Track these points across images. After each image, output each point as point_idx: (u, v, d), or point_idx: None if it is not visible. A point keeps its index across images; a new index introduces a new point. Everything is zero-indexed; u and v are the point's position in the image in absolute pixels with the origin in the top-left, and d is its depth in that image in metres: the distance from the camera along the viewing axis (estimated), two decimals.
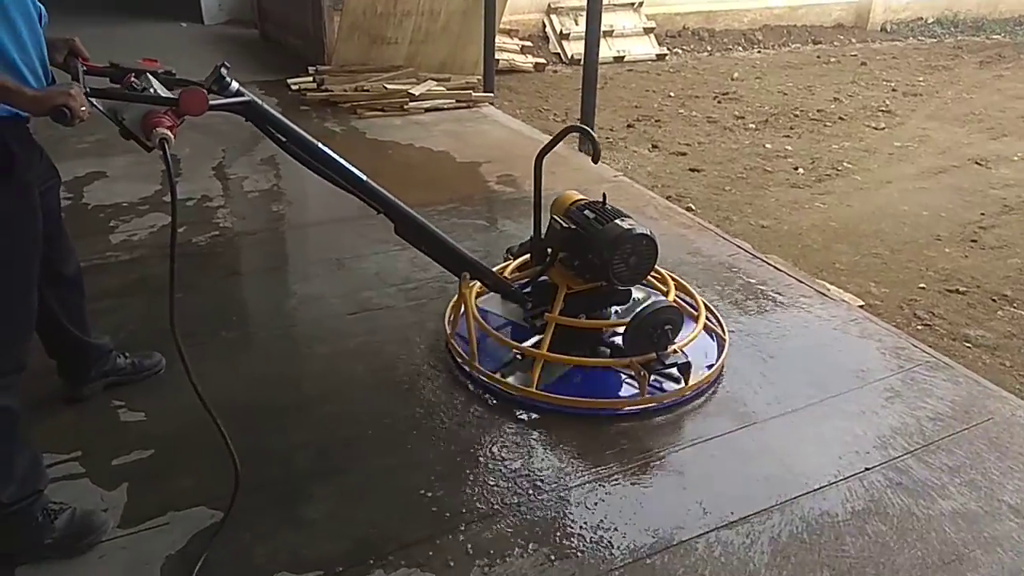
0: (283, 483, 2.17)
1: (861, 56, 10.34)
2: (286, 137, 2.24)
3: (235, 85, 2.09)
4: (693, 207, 5.52)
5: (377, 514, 2.08)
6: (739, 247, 3.79)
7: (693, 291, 3.03)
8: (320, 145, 2.29)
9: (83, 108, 1.69)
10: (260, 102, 2.16)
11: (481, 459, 2.28)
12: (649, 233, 2.54)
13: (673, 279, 3.00)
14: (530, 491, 2.15)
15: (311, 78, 6.14)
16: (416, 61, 6.38)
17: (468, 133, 5.40)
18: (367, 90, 5.81)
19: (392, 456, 2.28)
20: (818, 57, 10.27)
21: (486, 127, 5.56)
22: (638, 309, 2.52)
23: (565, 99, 7.90)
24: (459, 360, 2.68)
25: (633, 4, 10.16)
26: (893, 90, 8.82)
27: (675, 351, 2.54)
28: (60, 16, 9.07)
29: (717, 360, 2.73)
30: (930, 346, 3.88)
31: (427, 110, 5.74)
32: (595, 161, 2.74)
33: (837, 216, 5.49)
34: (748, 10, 10.94)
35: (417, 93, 5.75)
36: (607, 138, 7.01)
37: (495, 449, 2.32)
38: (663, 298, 2.68)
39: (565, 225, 2.62)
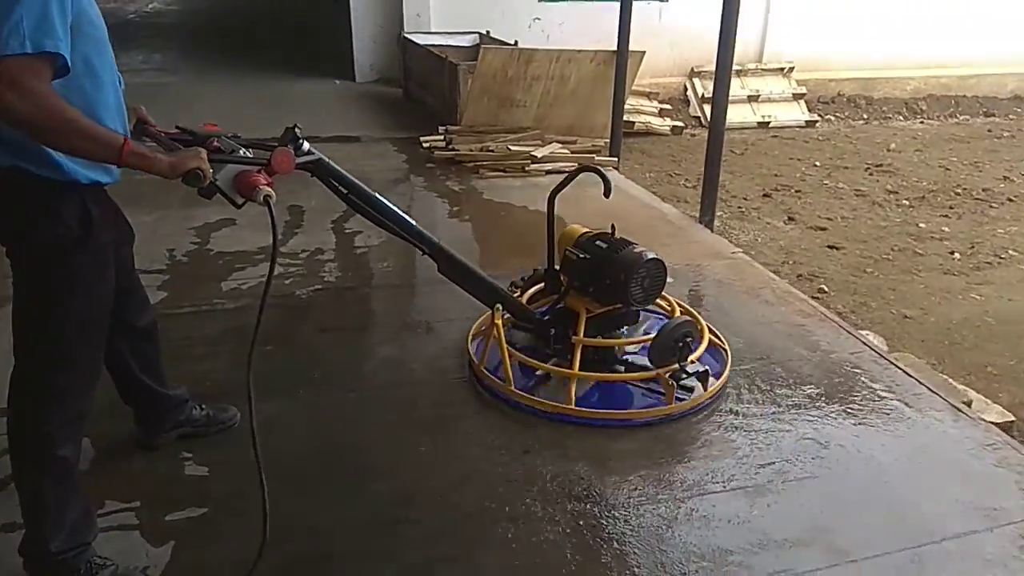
0: (323, 562, 2.09)
1: None
2: (348, 190, 2.46)
3: (306, 145, 2.23)
4: (826, 289, 5.10)
5: None
6: (865, 343, 3.40)
7: (693, 311, 3.31)
8: (378, 196, 2.55)
9: (210, 170, 1.82)
10: (327, 160, 2.35)
11: None
12: (660, 258, 2.88)
13: (677, 302, 3.26)
14: None
15: (441, 137, 6.30)
16: (544, 124, 6.39)
17: (584, 198, 5.25)
18: (492, 150, 5.87)
19: (438, 548, 2.15)
20: (989, 131, 9.42)
21: None
22: (663, 325, 2.87)
23: (699, 164, 7.57)
24: (488, 384, 2.88)
25: (783, 69, 9.79)
26: None
27: (693, 361, 2.84)
28: (217, 72, 9.90)
29: (724, 370, 3.02)
30: None
31: (548, 172, 5.70)
32: (606, 195, 3.04)
33: (995, 311, 4.87)
34: (912, 78, 10.25)
35: (539, 155, 5.73)
36: (739, 207, 6.69)
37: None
38: (680, 317, 3.00)
39: (580, 256, 2.90)
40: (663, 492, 2.43)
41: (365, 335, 3.31)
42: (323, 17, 10.41)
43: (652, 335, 2.86)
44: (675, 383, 2.75)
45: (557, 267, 3.07)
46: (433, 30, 8.28)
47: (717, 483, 2.47)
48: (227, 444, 2.55)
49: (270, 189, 1.98)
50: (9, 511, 1.91)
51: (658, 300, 3.13)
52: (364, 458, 2.52)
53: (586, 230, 3.04)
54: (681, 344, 2.79)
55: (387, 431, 2.66)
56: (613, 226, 2.96)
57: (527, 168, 5.69)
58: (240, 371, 2.93)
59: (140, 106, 2.16)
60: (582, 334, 2.85)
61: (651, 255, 2.83)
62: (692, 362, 2.82)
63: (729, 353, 3.11)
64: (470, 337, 3.15)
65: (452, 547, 2.16)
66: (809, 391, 2.99)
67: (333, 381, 2.95)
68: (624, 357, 2.98)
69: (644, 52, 6.50)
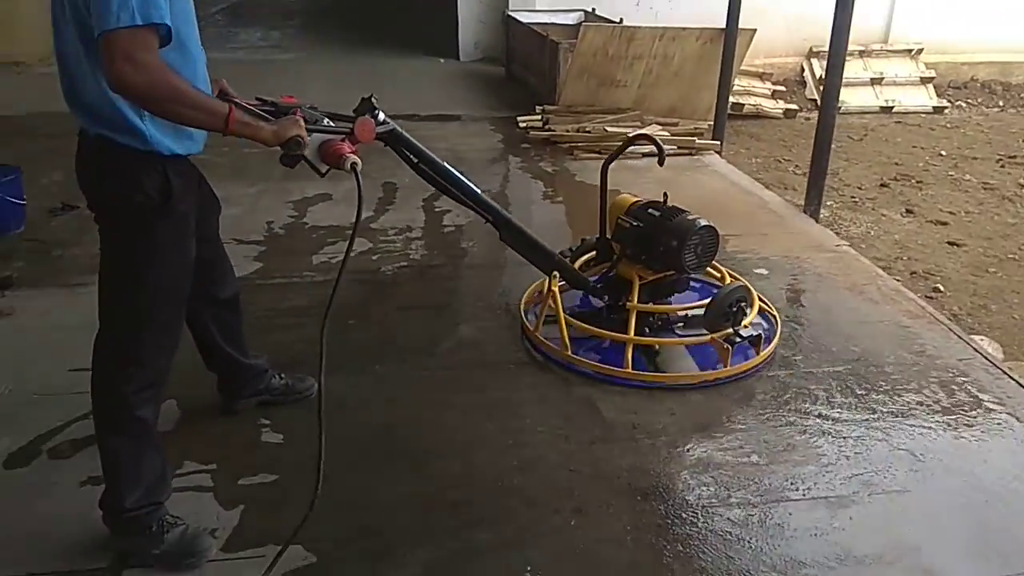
0: (376, 538, 2.11)
1: None
2: (419, 159, 2.53)
3: (382, 115, 2.26)
4: (941, 288, 4.74)
5: None
6: (977, 350, 3.13)
7: (739, 276, 3.32)
8: (445, 164, 2.62)
9: (308, 137, 1.88)
10: (400, 130, 2.41)
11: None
12: (712, 224, 2.89)
13: (727, 271, 3.30)
14: None
15: (538, 117, 6.23)
16: (644, 105, 6.21)
17: (682, 182, 5.11)
18: (588, 132, 5.76)
19: (493, 533, 2.13)
20: None
21: (703, 177, 5.23)
22: (717, 291, 2.95)
23: (811, 150, 7.25)
24: (543, 349, 2.96)
25: (911, 51, 9.14)
26: None
27: (747, 325, 2.89)
28: (328, 50, 10.18)
29: (775, 335, 3.06)
30: None
31: (644, 155, 5.53)
32: (660, 163, 3.14)
33: None
34: None
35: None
36: (853, 197, 6.31)
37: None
38: (735, 282, 3.10)
39: (633, 224, 2.95)
40: (736, 494, 2.31)
41: (444, 314, 3.32)
42: None
43: (705, 301, 2.95)
44: (730, 347, 2.80)
45: (609, 236, 3.12)
46: (539, 8, 8.20)
47: (797, 491, 2.33)
48: (303, 413, 2.61)
49: (356, 157, 2.01)
50: (96, 465, 2.01)
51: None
52: (429, 437, 2.53)
53: (637, 199, 3.10)
54: (735, 309, 2.86)
55: (455, 412, 2.66)
56: (665, 194, 3.02)
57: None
58: (319, 344, 3.04)
59: (221, 79, 2.21)
60: (635, 300, 2.91)
61: (704, 222, 2.86)
62: (746, 326, 2.87)
63: (779, 319, 3.17)
64: (522, 304, 3.23)
65: (507, 532, 2.13)
66: (908, 398, 2.78)
67: (407, 359, 2.97)
68: (673, 326, 3.07)
69: (755, 30, 6.19)
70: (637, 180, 5.11)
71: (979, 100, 9.25)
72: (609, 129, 5.72)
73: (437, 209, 4.52)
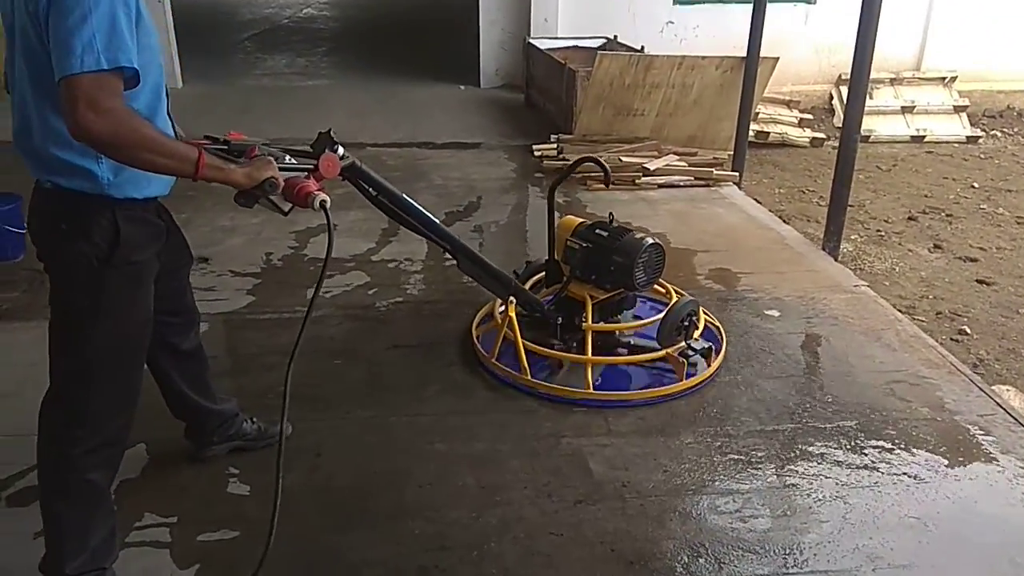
0: None
1: None
2: (378, 192, 2.44)
3: (341, 149, 2.15)
4: (968, 331, 4.51)
5: None
6: (1000, 404, 2.91)
7: (682, 292, 3.37)
8: (405, 196, 2.54)
9: (281, 178, 1.80)
10: (359, 163, 2.28)
11: None
12: (659, 242, 3.02)
13: (671, 287, 3.38)
14: None
15: (553, 145, 6.13)
16: (663, 134, 6.07)
17: (696, 215, 4.96)
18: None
19: None
20: None
21: (719, 210, 5.07)
22: (670, 306, 3.05)
23: None
24: (502, 375, 2.98)
25: (944, 79, 8.88)
26: None
27: (698, 338, 3.01)
28: (351, 76, 10.19)
29: (722, 347, 3.18)
30: None
31: (660, 186, 5.40)
32: (606, 186, 3.25)
33: None
34: None
35: (651, 168, 5.44)
36: (878, 230, 6.09)
37: None
38: (684, 297, 3.17)
39: (582, 245, 3.02)
40: (731, 566, 2.14)
41: (434, 353, 3.20)
42: (460, 22, 10.52)
43: (652, 317, 3.09)
44: (685, 360, 2.90)
45: (557, 258, 3.19)
46: (560, 35, 8.13)
47: (795, 563, 2.15)
48: (272, 460, 2.50)
49: (324, 194, 1.93)
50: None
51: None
52: (406, 492, 2.40)
53: (582, 220, 3.18)
54: (687, 323, 2.98)
55: (435, 463, 2.53)
56: (611, 214, 3.18)
57: (637, 181, 5.42)
58: (301, 385, 2.94)
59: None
60: (589, 320, 2.98)
61: (650, 240, 2.98)
62: (696, 339, 3.00)
63: (723, 330, 3.29)
64: (474, 328, 3.27)
65: None
66: (921, 459, 2.58)
67: (392, 402, 2.85)
68: (626, 340, 3.13)
69: (777, 59, 6.03)
70: (652, 213, 4.99)
71: (1015, 130, 8.95)
72: (624, 159, 5.59)
73: None
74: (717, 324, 3.33)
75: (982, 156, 8.14)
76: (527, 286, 3.23)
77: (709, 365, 3.02)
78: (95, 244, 1.75)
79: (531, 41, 7.68)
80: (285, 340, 3.29)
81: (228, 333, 3.37)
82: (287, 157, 2.04)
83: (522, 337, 2.98)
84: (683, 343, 2.97)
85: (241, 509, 2.32)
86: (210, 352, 2.45)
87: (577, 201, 5.20)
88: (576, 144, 6.01)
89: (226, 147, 1.99)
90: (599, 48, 7.40)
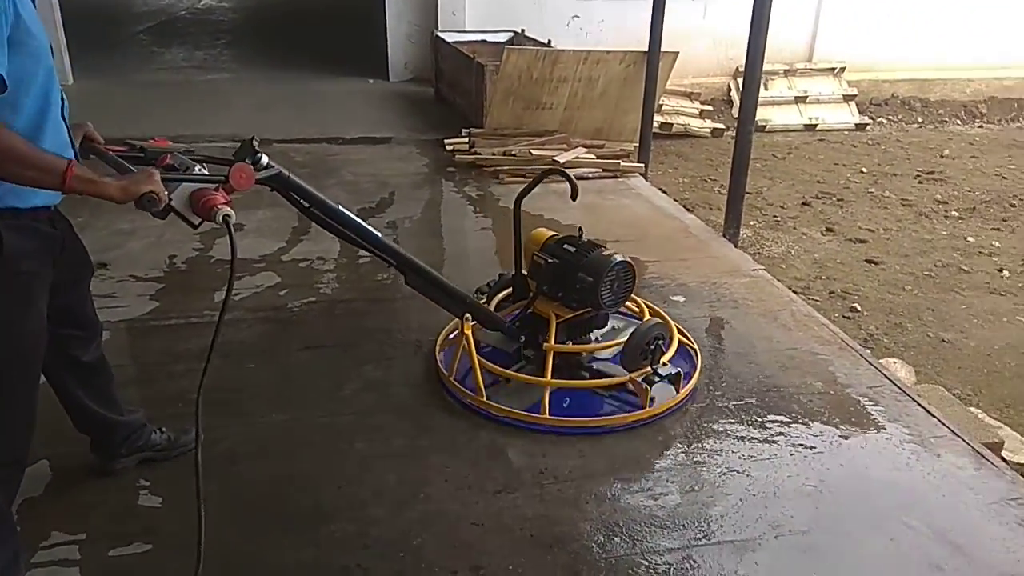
0: None
1: None
2: (311, 204, 2.35)
3: (265, 159, 2.10)
4: (859, 308, 4.81)
5: None
6: (886, 376, 3.14)
7: (662, 311, 3.27)
8: (340, 208, 2.43)
9: (164, 192, 1.73)
10: (288, 174, 2.21)
11: None
12: (628, 260, 2.83)
13: (646, 304, 3.27)
14: None
15: (465, 139, 6.15)
16: (571, 127, 6.19)
17: (605, 207, 5.09)
18: (514, 154, 5.70)
19: None
20: None
21: (627, 201, 5.22)
22: (634, 328, 2.87)
23: None
24: (458, 395, 2.85)
25: (834, 69, 9.37)
26: None
27: (666, 363, 2.84)
28: (254, 69, 9.87)
29: (695, 371, 3.03)
30: None
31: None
32: (573, 198, 2.86)
33: None
34: (972, 80, 9.68)
35: (562, 160, 5.54)
36: (775, 216, 6.40)
37: None
38: (651, 319, 3.01)
39: (548, 260, 2.85)
40: (644, 543, 2.24)
41: (350, 354, 3.18)
42: (364, 15, 10.36)
43: (623, 339, 2.88)
44: (648, 387, 2.74)
45: (525, 272, 3.04)
46: (468, 28, 8.14)
47: (703, 537, 2.27)
48: (187, 471, 2.44)
49: (229, 208, 1.88)
50: None
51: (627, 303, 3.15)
52: (325, 493, 2.39)
53: (553, 234, 2.99)
54: (652, 347, 2.81)
55: (353, 463, 2.53)
56: (580, 229, 2.95)
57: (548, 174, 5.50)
58: (212, 391, 2.88)
59: (87, 123, 2.07)
60: (553, 341, 2.81)
61: (619, 258, 2.80)
62: (664, 364, 2.83)
63: (699, 354, 3.12)
64: (438, 346, 3.12)
65: None
66: (817, 430, 2.76)
67: (307, 404, 2.83)
68: (590, 363, 2.99)
69: (677, 53, 6.23)
70: (562, 206, 5.06)
71: (899, 117, 9.55)
72: (535, 152, 5.67)
73: None
74: (694, 347, 3.16)
75: (869, 142, 8.65)
76: (495, 301, 3.10)
77: (677, 391, 2.84)
78: None
79: (439, 35, 7.67)
80: (192, 346, 3.21)
81: (131, 341, 3.27)
82: (198, 167, 2.00)
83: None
84: (648, 368, 2.79)
85: (153, 522, 2.27)
86: (113, 361, 2.38)
87: (490, 194, 5.25)
88: (487, 138, 6.05)
89: (143, 153, 1.94)
90: (507, 42, 7.47)
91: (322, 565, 2.12)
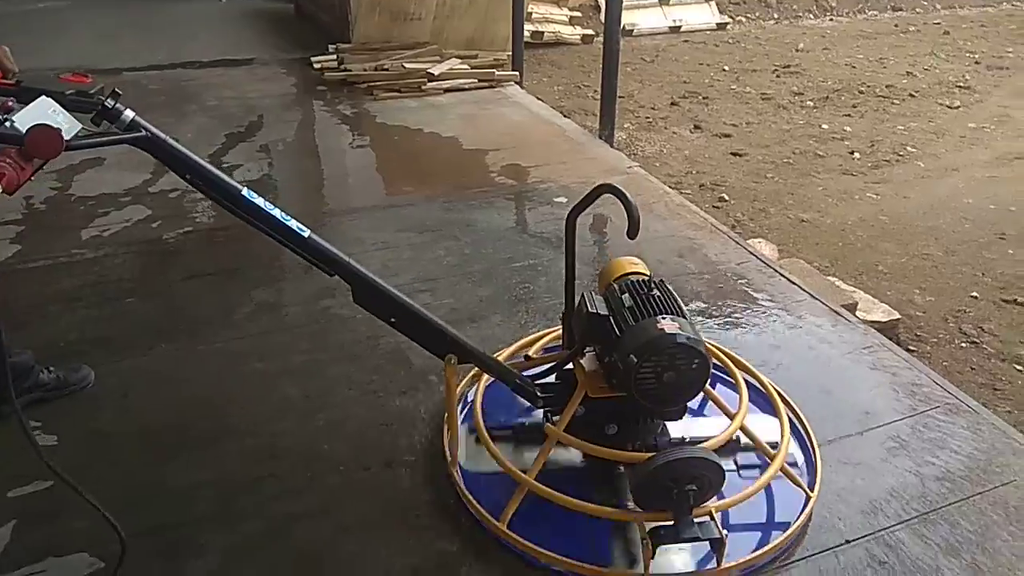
0: (174, 529, 1.98)
1: (945, 24, 9.47)
2: (201, 180, 1.86)
3: (129, 114, 1.75)
4: (726, 197, 5.11)
5: (274, 572, 1.88)
6: (752, 253, 3.39)
7: (783, 409, 2.20)
8: (243, 191, 1.88)
9: None
10: (162, 136, 1.79)
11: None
12: (696, 345, 1.80)
13: (767, 386, 2.29)
14: None
15: (333, 57, 5.94)
16: (442, 38, 6.07)
17: (484, 117, 5.10)
18: (386, 69, 5.56)
19: (302, 502, 2.07)
20: (896, 26, 9.47)
21: (505, 110, 5.24)
22: (658, 453, 1.81)
23: None
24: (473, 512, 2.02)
25: None
26: (976, 63, 8.02)
27: (703, 520, 1.81)
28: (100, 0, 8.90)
29: (795, 521, 1.94)
30: (972, 368, 3.46)
31: (446, 91, 5.46)
32: (631, 236, 1.94)
33: (890, 209, 4.97)
34: None
35: (436, 73, 5.46)
36: (647, 117, 6.60)
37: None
38: (695, 446, 1.91)
39: (592, 309, 1.93)
40: None
41: (238, 278, 3.12)
42: None
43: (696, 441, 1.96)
44: (652, 545, 1.77)
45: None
46: None
47: None
48: (79, 408, 2.39)
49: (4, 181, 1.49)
50: None
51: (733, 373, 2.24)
52: (226, 415, 2.39)
53: (632, 269, 2.09)
54: (679, 491, 1.78)
55: (253, 383, 2.53)
56: (650, 277, 2.03)
57: (423, 87, 5.43)
58: (94, 329, 2.79)
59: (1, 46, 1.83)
60: (564, 423, 1.95)
61: (685, 337, 1.79)
62: (704, 515, 1.82)
63: (814, 499, 2.00)
64: (446, 432, 2.20)
65: (316, 501, 2.07)
66: (695, 306, 2.97)
67: (199, 332, 2.78)
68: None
69: None
70: (441, 118, 5.04)
71: (756, 14, 9.91)
72: (407, 66, 5.56)
73: (225, 164, 4.22)
74: (807, 489, 2.02)
75: (730, 41, 8.97)
76: (537, 345, 2.36)
77: (719, 563, 1.81)
78: None
79: None
80: (64, 286, 3.06)
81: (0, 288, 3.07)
82: (11, 121, 1.58)
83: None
84: (667, 519, 1.79)
85: (50, 458, 2.20)
86: None
87: (366, 112, 5.14)
88: (356, 53, 5.87)
89: (13, 87, 1.73)
90: None
91: (231, 479, 2.14)
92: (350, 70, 5.65)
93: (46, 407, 2.38)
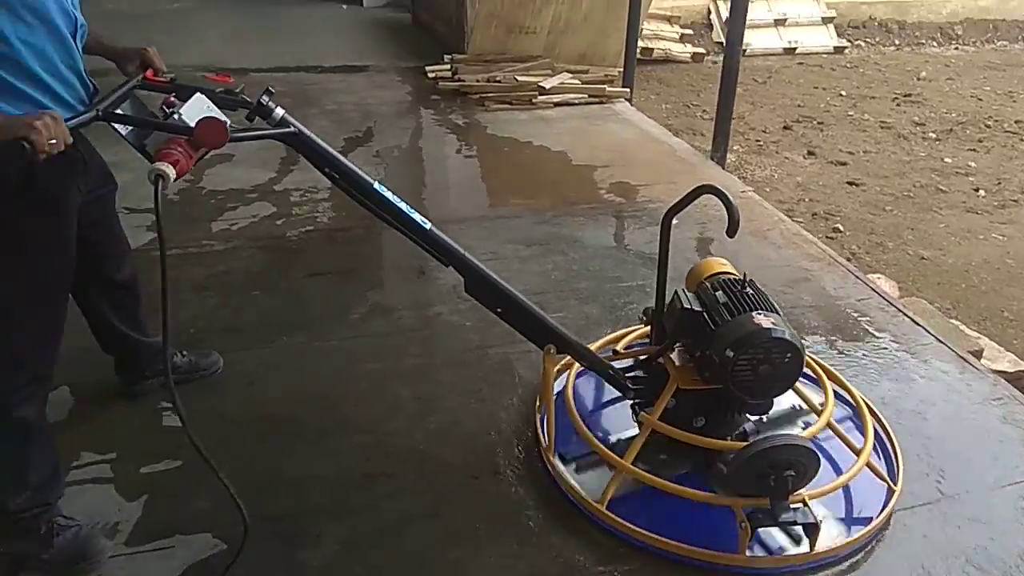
0: (292, 517, 2.06)
1: None
2: (337, 173, 1.97)
3: (279, 112, 1.89)
4: (841, 228, 4.94)
5: (382, 571, 1.93)
6: (874, 289, 3.26)
7: (866, 407, 2.31)
8: (374, 184, 1.99)
9: (52, 141, 1.56)
10: (308, 133, 1.92)
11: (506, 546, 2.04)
12: (794, 340, 1.92)
13: (843, 388, 2.38)
14: None
15: (447, 66, 6.07)
16: (555, 52, 6.12)
17: (593, 132, 5.10)
18: (499, 81, 5.64)
19: (413, 503, 2.12)
20: None
21: (614, 126, 5.23)
22: (757, 439, 1.93)
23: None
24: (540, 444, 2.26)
25: None
26: None
27: (798, 506, 1.91)
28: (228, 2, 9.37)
29: (879, 514, 2.05)
30: None
31: (556, 104, 5.49)
32: (730, 235, 2.04)
33: (1016, 252, 4.69)
34: (948, 1, 9.68)
35: (548, 87, 5.51)
36: (757, 140, 6.46)
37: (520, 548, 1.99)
38: (792, 433, 2.00)
39: (687, 305, 2.05)
40: None
41: (355, 279, 3.23)
42: None
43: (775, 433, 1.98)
44: (751, 528, 1.87)
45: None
46: None
47: None
48: (211, 392, 2.51)
49: (168, 167, 1.67)
50: None
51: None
52: (343, 410, 2.47)
53: (721, 268, 2.17)
54: (777, 476, 1.87)
55: (369, 382, 2.60)
56: (745, 275, 2.11)
57: (534, 100, 5.48)
58: (223, 318, 2.93)
59: (148, 48, 1.98)
60: (658, 412, 2.04)
61: (781, 333, 1.91)
62: (800, 503, 1.92)
63: (897, 493, 2.10)
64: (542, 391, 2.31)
65: (426, 503, 2.11)
66: (811, 341, 2.88)
67: (318, 329, 2.88)
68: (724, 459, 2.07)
69: None
70: (551, 132, 5.08)
71: (877, 39, 9.56)
72: (520, 78, 5.62)
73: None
74: (891, 483, 2.14)
75: (848, 65, 8.67)
76: (625, 340, 2.47)
77: (812, 548, 1.93)
78: (4, 174, 1.68)
79: None
80: (195, 274, 3.24)
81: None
82: (179, 114, 1.75)
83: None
84: (765, 503, 1.89)
85: (180, 439, 2.26)
86: None
87: (476, 123, 5.22)
88: (471, 64, 5.97)
89: (172, 84, 1.86)
90: None
91: (345, 474, 2.20)
92: (463, 80, 5.75)
93: (179, 389, 2.50)
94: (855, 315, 3.04)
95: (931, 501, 2.15)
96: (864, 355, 2.80)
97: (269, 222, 3.70)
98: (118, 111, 1.85)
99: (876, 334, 2.92)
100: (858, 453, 2.10)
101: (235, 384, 2.56)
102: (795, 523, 1.90)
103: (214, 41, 7.07)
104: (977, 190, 5.54)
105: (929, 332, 2.92)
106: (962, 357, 2.79)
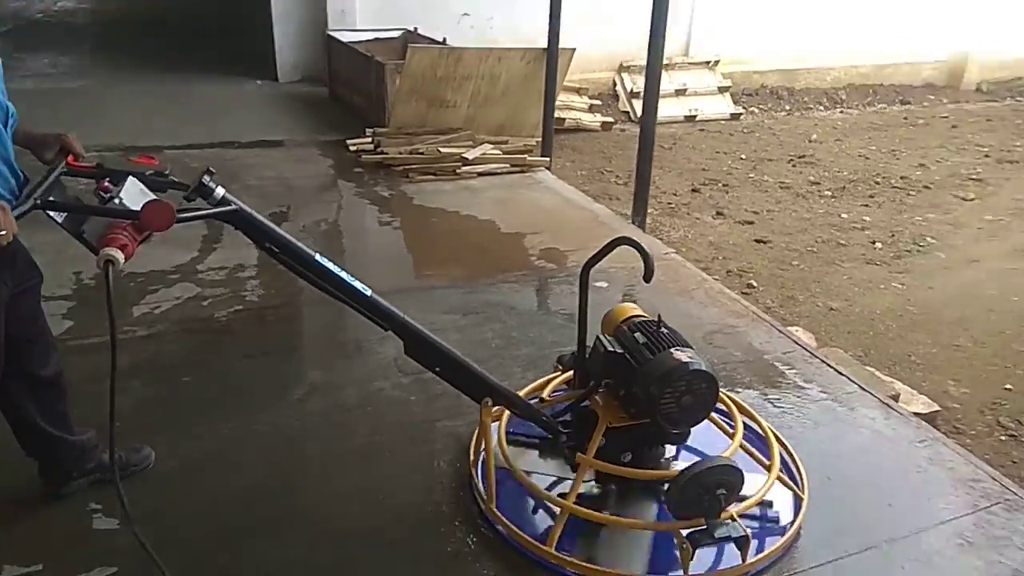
0: None
1: (952, 118, 9.74)
2: (278, 248, 2.03)
3: (220, 191, 1.92)
4: (755, 284, 5.18)
5: None
6: (796, 342, 3.43)
7: (768, 428, 2.57)
8: (316, 256, 2.08)
9: (2, 232, 1.54)
10: (248, 210, 1.98)
11: None
12: (709, 371, 2.14)
13: (742, 412, 2.57)
14: None
15: (369, 139, 6.13)
16: (475, 124, 6.28)
17: (518, 200, 5.23)
18: (421, 153, 5.74)
19: None
20: (905, 119, 9.74)
21: (537, 194, 5.38)
22: (691, 465, 2.10)
23: (630, 160, 7.57)
24: (478, 497, 2.36)
25: (709, 63, 9.91)
26: (986, 156, 8.22)
27: (728, 521, 2.09)
28: (130, 74, 9.29)
29: (793, 521, 2.29)
30: (1014, 462, 3.44)
31: (480, 175, 5.61)
32: (647, 280, 2.25)
33: (916, 299, 5.03)
34: (832, 68, 10.51)
35: (470, 157, 5.63)
36: (669, 203, 6.74)
37: None
38: (718, 456, 2.17)
39: (611, 348, 2.25)
40: None
41: (291, 358, 3.17)
42: (244, 15, 10.04)
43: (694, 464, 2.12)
44: (691, 547, 2.04)
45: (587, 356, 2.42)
46: (359, 27, 8.06)
47: None
48: (143, 490, 2.38)
49: (116, 251, 1.69)
50: None
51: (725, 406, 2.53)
52: (289, 498, 2.39)
53: (634, 313, 2.40)
54: (709, 497, 2.07)
55: (313, 465, 2.54)
56: (659, 316, 2.31)
57: (458, 171, 5.59)
58: (151, 408, 2.81)
59: (67, 134, 1.96)
60: (592, 451, 2.20)
61: (698, 366, 2.13)
62: (729, 519, 2.10)
63: (805, 501, 2.36)
64: (472, 445, 2.53)
65: None
66: (746, 395, 2.99)
67: (256, 412, 2.80)
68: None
69: (574, 49, 6.45)
70: (476, 201, 5.17)
71: (769, 105, 10.22)
72: (443, 150, 5.74)
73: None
74: (799, 492, 2.40)
75: (745, 131, 9.22)
76: (549, 387, 2.62)
77: (744, 560, 2.12)
78: None
79: (332, 34, 7.57)
80: (119, 363, 3.08)
81: None
82: (119, 198, 1.78)
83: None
84: (702, 521, 2.07)
85: (112, 542, 2.20)
86: None
87: (402, 194, 5.27)
88: (392, 137, 6.05)
89: (99, 171, 1.83)
90: (400, 40, 7.47)
91: (303, 565, 2.13)
92: (386, 153, 5.82)
93: (106, 489, 2.38)
94: (783, 368, 3.19)
95: (874, 545, 2.24)
96: (796, 408, 2.93)
97: (195, 303, 3.60)
98: (51, 198, 1.81)
99: (804, 385, 3.07)
100: (768, 468, 2.35)
101: (170, 478, 2.44)
102: (729, 538, 2.06)
103: (123, 119, 6.92)
104: (874, 243, 5.93)
105: (853, 380, 3.09)
106: (885, 403, 2.96)
